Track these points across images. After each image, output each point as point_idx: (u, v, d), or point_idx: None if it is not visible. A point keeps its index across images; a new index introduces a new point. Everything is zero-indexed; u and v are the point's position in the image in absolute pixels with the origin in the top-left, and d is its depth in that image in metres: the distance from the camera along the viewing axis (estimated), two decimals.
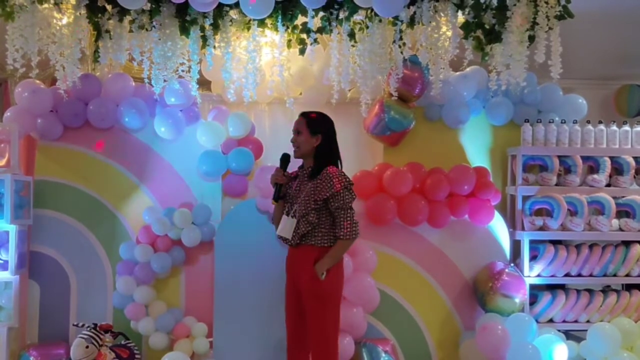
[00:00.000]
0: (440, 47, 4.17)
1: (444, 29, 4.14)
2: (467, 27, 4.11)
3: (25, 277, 4.82)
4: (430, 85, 4.71)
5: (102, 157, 5.00)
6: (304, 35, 4.34)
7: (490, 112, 5.26)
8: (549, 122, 5.16)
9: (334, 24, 4.22)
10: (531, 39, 4.07)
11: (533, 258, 5.05)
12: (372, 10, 4.09)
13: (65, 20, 4.10)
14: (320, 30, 4.28)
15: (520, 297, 4.78)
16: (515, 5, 3.96)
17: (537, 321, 4.79)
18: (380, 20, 4.19)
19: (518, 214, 5.10)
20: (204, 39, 4.22)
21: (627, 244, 5.11)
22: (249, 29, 4.32)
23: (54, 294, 4.91)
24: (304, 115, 3.90)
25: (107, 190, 5.00)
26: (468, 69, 5.05)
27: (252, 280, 4.62)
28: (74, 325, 4.50)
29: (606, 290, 5.16)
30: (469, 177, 4.86)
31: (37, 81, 4.84)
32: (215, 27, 4.19)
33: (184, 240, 4.84)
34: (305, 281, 3.72)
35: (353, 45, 4.30)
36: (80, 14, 4.01)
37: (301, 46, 4.39)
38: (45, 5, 4.00)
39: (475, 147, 5.29)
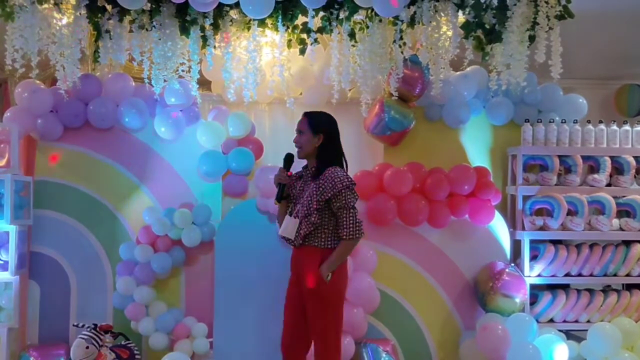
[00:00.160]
0: (440, 47, 4.16)
1: (444, 28, 4.14)
2: (467, 27, 4.11)
3: (26, 278, 4.82)
4: (430, 85, 4.71)
5: (102, 157, 5.00)
6: (304, 35, 4.33)
7: (490, 112, 5.26)
8: (550, 121, 5.16)
9: (334, 23, 4.22)
10: (531, 38, 4.07)
11: (533, 258, 5.04)
12: (372, 10, 4.09)
13: (65, 21, 4.09)
14: (321, 30, 4.28)
15: (521, 297, 4.78)
16: (515, 5, 3.96)
17: (537, 321, 4.79)
18: (380, 20, 4.19)
19: (518, 213, 5.10)
20: (204, 39, 4.22)
21: (627, 243, 5.11)
22: (249, 28, 4.31)
23: (54, 294, 4.91)
24: (306, 114, 3.88)
25: (107, 191, 5.00)
26: (468, 69, 5.05)
27: (252, 280, 4.61)
28: (74, 325, 4.50)
29: (607, 290, 5.15)
30: (470, 177, 4.86)
31: (37, 81, 4.84)
32: (216, 27, 4.19)
33: (184, 241, 4.84)
34: (308, 282, 3.71)
35: (353, 45, 4.29)
36: (80, 14, 4.00)
37: (301, 46, 4.39)
38: (45, 6, 3.99)
39: (476, 147, 5.29)
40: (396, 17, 4.14)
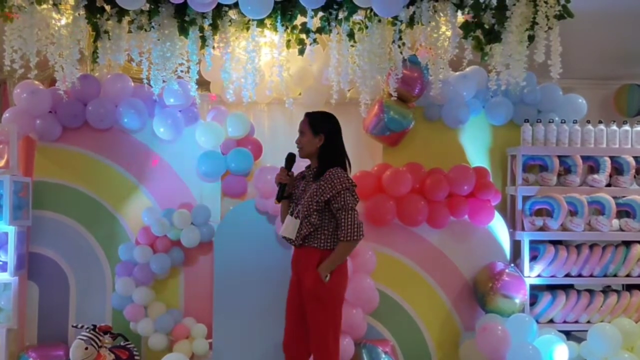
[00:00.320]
0: (439, 47, 4.16)
1: (443, 28, 4.14)
2: (466, 27, 4.11)
3: (24, 279, 4.81)
4: (429, 85, 4.71)
5: (101, 157, 5.00)
6: (303, 36, 4.33)
7: (490, 112, 5.26)
8: (549, 122, 5.16)
9: (333, 24, 4.22)
10: (531, 38, 4.06)
11: (533, 258, 5.04)
12: (371, 10, 4.08)
13: (64, 21, 4.09)
14: (320, 30, 4.28)
15: (521, 297, 4.78)
16: (514, 5, 3.96)
17: (537, 322, 4.78)
18: (379, 20, 4.19)
19: (518, 214, 5.10)
20: (203, 39, 4.22)
21: (627, 244, 5.11)
22: (248, 29, 4.31)
23: (53, 295, 4.90)
24: (308, 115, 3.87)
25: (106, 191, 4.99)
26: (468, 69, 5.05)
27: (251, 280, 4.61)
28: (73, 326, 4.49)
29: (607, 290, 5.15)
30: (469, 178, 4.85)
31: (36, 82, 4.84)
32: (215, 27, 4.18)
33: (183, 241, 4.83)
34: (307, 282, 3.71)
35: (352, 46, 4.29)
36: (79, 14, 4.00)
37: (300, 46, 4.39)
38: (44, 6, 3.99)
39: (475, 147, 5.29)
40: (395, 17, 4.14)
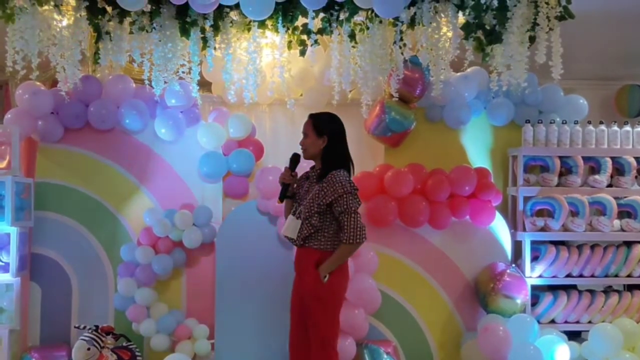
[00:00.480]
0: (440, 48, 4.16)
1: (444, 29, 4.14)
2: (467, 28, 4.11)
3: (27, 279, 4.82)
4: (431, 86, 4.71)
5: (103, 158, 5.00)
6: (305, 37, 4.33)
7: (491, 113, 5.26)
8: (550, 122, 5.16)
9: (334, 25, 4.22)
10: (532, 39, 4.07)
11: (534, 259, 5.04)
12: (372, 11, 4.09)
13: (65, 22, 4.10)
14: (321, 31, 4.28)
15: (522, 298, 4.78)
16: (515, 6, 3.96)
17: (538, 322, 4.78)
18: (380, 21, 4.19)
19: (519, 214, 5.10)
20: (205, 40, 4.22)
21: (628, 244, 5.11)
22: (249, 30, 4.31)
23: (55, 296, 4.90)
24: (311, 116, 3.85)
25: (108, 192, 5.00)
26: (469, 70, 5.05)
27: (253, 281, 4.61)
28: (75, 327, 4.49)
29: (608, 290, 5.15)
30: (470, 178, 4.86)
31: (38, 83, 4.84)
32: (216, 28, 4.19)
33: (185, 242, 4.84)
34: (306, 282, 3.71)
35: (353, 46, 4.29)
36: (80, 15, 4.00)
37: (302, 47, 4.39)
38: (46, 7, 3.99)
39: (476, 147, 5.29)
40: (396, 18, 4.14)
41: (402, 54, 4.27)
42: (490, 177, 5.01)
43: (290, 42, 4.39)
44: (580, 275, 5.06)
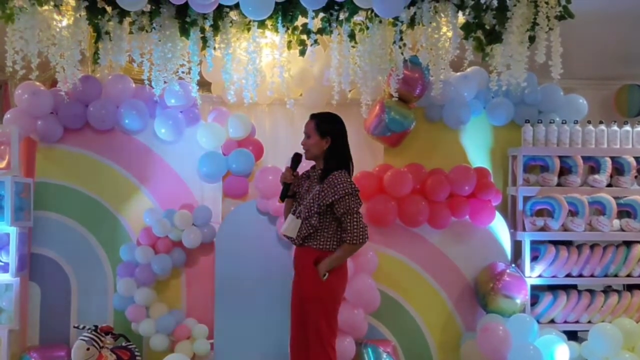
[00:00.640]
0: (440, 48, 4.17)
1: (444, 29, 4.14)
2: (467, 28, 4.11)
3: (26, 279, 4.81)
4: (430, 86, 4.71)
5: (102, 158, 5.00)
6: (304, 36, 4.34)
7: (490, 113, 5.26)
8: (550, 122, 5.16)
9: (334, 24, 4.22)
10: (531, 39, 4.07)
11: (534, 259, 5.04)
12: (372, 11, 4.09)
13: (65, 22, 4.10)
14: (321, 31, 4.28)
15: (522, 297, 4.78)
16: (515, 5, 3.96)
17: (538, 322, 4.78)
18: (380, 21, 4.19)
19: (519, 214, 5.10)
20: (204, 40, 4.22)
21: (628, 244, 5.10)
22: (249, 30, 4.31)
23: (54, 296, 4.90)
24: (314, 117, 3.83)
25: (108, 192, 4.99)
26: (468, 70, 5.05)
27: (252, 281, 4.61)
28: (74, 327, 4.49)
29: (607, 290, 5.15)
30: (470, 178, 4.85)
31: (37, 83, 4.84)
32: (216, 28, 4.18)
33: (185, 242, 4.83)
34: (305, 282, 3.72)
35: (353, 46, 4.30)
36: (80, 15, 4.01)
37: (301, 47, 4.39)
38: (45, 7, 3.99)
39: (476, 147, 5.28)
40: (396, 18, 4.15)
41: (401, 53, 4.28)
42: (490, 176, 5.01)
43: (290, 42, 4.39)
44: (580, 275, 5.07)
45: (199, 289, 4.98)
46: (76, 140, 4.97)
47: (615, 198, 5.08)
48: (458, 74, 5.02)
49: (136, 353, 4.38)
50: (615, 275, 5.08)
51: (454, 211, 4.83)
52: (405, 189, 4.75)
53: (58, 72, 4.11)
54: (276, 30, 4.28)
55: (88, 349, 4.13)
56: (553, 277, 5.02)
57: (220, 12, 4.12)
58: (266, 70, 4.72)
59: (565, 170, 5.18)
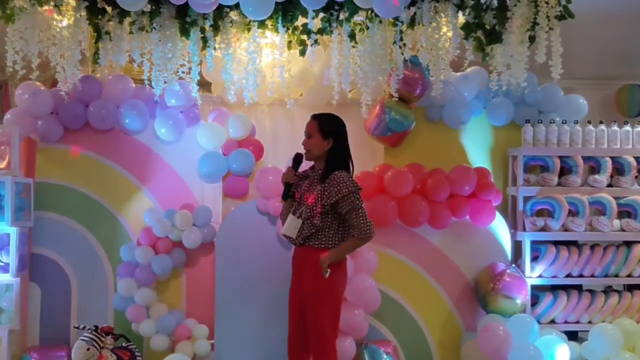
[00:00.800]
0: (440, 48, 4.17)
1: (444, 29, 4.14)
2: (467, 28, 4.11)
3: (26, 280, 4.81)
4: (430, 86, 4.71)
5: (102, 158, 5.00)
6: (305, 37, 4.34)
7: (491, 113, 5.26)
8: (550, 122, 5.16)
9: (334, 25, 4.22)
10: (532, 39, 4.07)
11: (534, 259, 5.04)
12: (372, 11, 4.09)
13: (65, 22, 4.10)
14: (321, 31, 4.28)
15: (522, 297, 4.78)
16: (515, 5, 3.96)
17: (538, 322, 4.78)
18: (380, 21, 4.19)
19: (519, 214, 5.10)
20: (204, 40, 4.22)
21: (628, 244, 5.10)
22: (249, 30, 4.31)
23: (55, 296, 4.90)
24: (316, 117, 3.84)
25: (108, 192, 4.99)
26: (469, 70, 5.05)
27: (253, 281, 4.61)
28: (75, 327, 4.49)
29: (608, 290, 5.14)
30: (470, 178, 4.85)
31: (38, 83, 4.83)
32: (216, 28, 4.18)
33: (185, 242, 4.83)
34: (306, 281, 3.72)
35: (353, 46, 4.29)
36: (80, 15, 4.01)
37: (301, 47, 4.39)
38: (45, 7, 3.99)
39: (476, 147, 5.28)
40: (396, 18, 4.15)
41: (402, 54, 4.27)
42: (490, 177, 5.01)
43: (290, 42, 4.39)
44: (580, 275, 5.06)
45: (199, 289, 4.97)
46: (76, 140, 4.95)
47: (616, 198, 5.07)
48: (458, 74, 5.02)
49: (136, 353, 4.38)
50: (616, 276, 5.08)
51: (454, 211, 4.83)
52: (406, 189, 4.75)
53: (58, 72, 4.11)
54: (276, 31, 4.28)
55: (88, 349, 4.13)
56: (553, 277, 5.02)
57: (220, 12, 4.12)
58: (266, 70, 4.72)
59: (565, 170, 5.18)
